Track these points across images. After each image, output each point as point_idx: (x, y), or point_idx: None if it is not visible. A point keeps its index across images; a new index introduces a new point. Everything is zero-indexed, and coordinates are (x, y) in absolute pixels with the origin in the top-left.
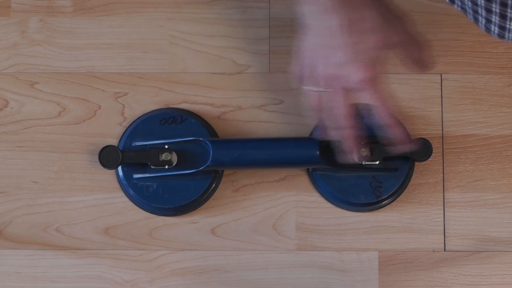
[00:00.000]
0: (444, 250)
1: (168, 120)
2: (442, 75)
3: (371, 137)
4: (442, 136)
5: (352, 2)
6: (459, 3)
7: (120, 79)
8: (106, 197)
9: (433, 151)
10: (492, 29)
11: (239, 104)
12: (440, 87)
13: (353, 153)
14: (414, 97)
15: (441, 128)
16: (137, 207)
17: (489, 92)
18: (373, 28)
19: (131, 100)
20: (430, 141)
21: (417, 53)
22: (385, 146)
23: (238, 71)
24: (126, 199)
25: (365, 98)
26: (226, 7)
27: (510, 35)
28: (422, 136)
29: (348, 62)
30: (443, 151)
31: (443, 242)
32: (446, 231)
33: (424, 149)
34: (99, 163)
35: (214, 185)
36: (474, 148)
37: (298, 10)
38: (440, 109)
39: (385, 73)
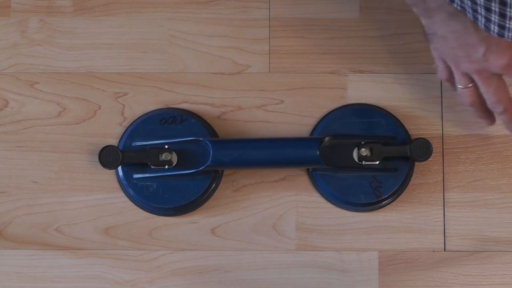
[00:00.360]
0: (444, 250)
1: (168, 120)
2: None
3: (371, 137)
4: (442, 136)
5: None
6: (459, 2)
7: (120, 79)
8: (106, 197)
9: (433, 151)
10: (492, 28)
11: (239, 104)
12: (440, 87)
13: None
14: (414, 97)
15: (441, 128)
16: (137, 207)
17: None
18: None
19: (131, 100)
20: (430, 141)
21: None
22: (384, 146)
23: (238, 71)
24: (126, 199)
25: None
26: (226, 7)
27: (510, 34)
28: (422, 136)
29: (489, 53)
30: (443, 151)
31: (443, 242)
32: (446, 231)
33: (424, 149)
34: (99, 163)
35: (214, 185)
36: (474, 148)
37: (425, 22)
38: (440, 109)
39: None
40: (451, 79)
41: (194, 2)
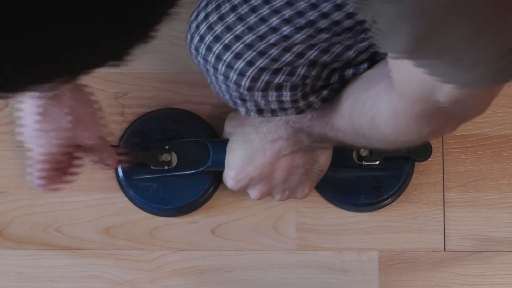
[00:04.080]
0: (444, 250)
1: (168, 121)
2: None
3: None
4: (442, 136)
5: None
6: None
7: (120, 79)
8: (106, 197)
9: (433, 151)
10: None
11: None
12: None
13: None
14: None
15: None
16: (137, 207)
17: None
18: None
19: (131, 100)
20: (430, 141)
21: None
22: None
23: None
24: (126, 199)
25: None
26: None
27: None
28: None
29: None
30: (443, 151)
31: (443, 242)
32: (446, 231)
33: (423, 149)
34: None
35: (214, 185)
36: (474, 148)
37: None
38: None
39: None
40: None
41: (194, 2)
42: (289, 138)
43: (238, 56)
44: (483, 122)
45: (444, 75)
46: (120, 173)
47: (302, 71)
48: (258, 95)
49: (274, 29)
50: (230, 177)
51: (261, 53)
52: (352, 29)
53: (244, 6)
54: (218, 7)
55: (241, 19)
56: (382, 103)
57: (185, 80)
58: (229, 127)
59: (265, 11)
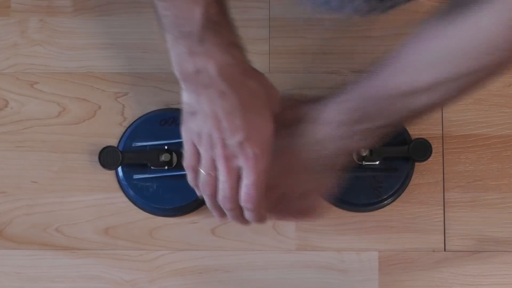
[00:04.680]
0: (444, 250)
1: (168, 121)
2: None
3: None
4: (442, 136)
5: (243, 83)
6: None
7: (120, 79)
8: (106, 197)
9: (433, 151)
10: None
11: None
12: None
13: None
14: None
15: (441, 128)
16: (137, 207)
17: (489, 92)
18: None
19: (131, 100)
20: (430, 141)
21: None
22: (384, 146)
23: None
24: (126, 199)
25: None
26: None
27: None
28: (422, 136)
29: (246, 141)
30: (443, 151)
31: (443, 242)
32: (446, 231)
33: (423, 149)
34: (99, 163)
35: None
36: (474, 148)
37: (189, 99)
38: (440, 109)
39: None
40: (196, 166)
41: None
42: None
43: None
44: (483, 122)
45: None
46: (120, 173)
47: None
48: None
49: None
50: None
51: None
52: None
53: None
54: None
55: None
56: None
57: None
58: None
59: None
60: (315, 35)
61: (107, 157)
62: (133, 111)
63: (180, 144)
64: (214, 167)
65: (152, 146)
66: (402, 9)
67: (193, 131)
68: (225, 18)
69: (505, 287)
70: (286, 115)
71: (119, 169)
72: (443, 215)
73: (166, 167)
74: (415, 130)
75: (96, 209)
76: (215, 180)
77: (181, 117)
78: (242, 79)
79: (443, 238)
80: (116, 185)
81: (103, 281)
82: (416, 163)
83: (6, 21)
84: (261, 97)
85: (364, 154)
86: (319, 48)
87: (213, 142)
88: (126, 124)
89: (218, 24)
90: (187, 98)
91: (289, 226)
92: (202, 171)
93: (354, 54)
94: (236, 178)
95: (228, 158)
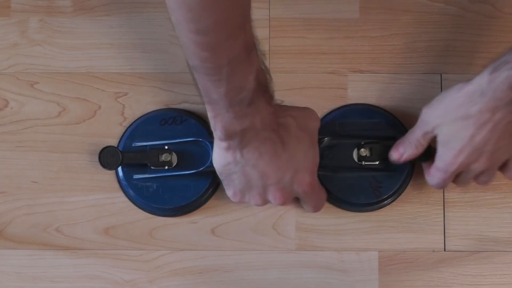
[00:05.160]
0: (444, 250)
1: (168, 121)
2: (442, 75)
3: (370, 137)
4: None
5: (278, 124)
6: None
7: (120, 79)
8: (106, 197)
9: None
10: None
11: None
12: (440, 87)
13: None
14: (414, 97)
15: None
16: (137, 207)
17: None
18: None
19: (131, 100)
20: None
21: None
22: (384, 147)
23: None
24: (126, 199)
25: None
26: None
27: None
28: None
29: (295, 175)
30: None
31: (443, 242)
32: (446, 231)
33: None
34: (99, 163)
35: (214, 185)
36: None
37: (237, 157)
38: None
39: None
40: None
41: None
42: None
43: None
44: None
45: None
46: (120, 173)
47: None
48: None
49: None
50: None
51: None
52: None
53: None
54: None
55: None
56: None
57: (185, 80)
58: None
59: None
60: (315, 35)
61: (107, 157)
62: (133, 111)
63: (180, 145)
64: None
65: (152, 146)
66: (402, 9)
67: (237, 188)
68: (267, 76)
69: (505, 287)
70: None
71: (119, 169)
72: (443, 215)
73: (166, 167)
74: None
75: (96, 209)
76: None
77: (224, 183)
78: (277, 121)
79: (443, 238)
80: (116, 185)
81: (103, 281)
82: (416, 163)
83: (6, 21)
84: (299, 128)
85: (364, 155)
86: (319, 48)
87: (263, 186)
88: (126, 124)
89: (264, 84)
90: (233, 157)
91: (289, 226)
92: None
93: (354, 54)
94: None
95: (283, 201)
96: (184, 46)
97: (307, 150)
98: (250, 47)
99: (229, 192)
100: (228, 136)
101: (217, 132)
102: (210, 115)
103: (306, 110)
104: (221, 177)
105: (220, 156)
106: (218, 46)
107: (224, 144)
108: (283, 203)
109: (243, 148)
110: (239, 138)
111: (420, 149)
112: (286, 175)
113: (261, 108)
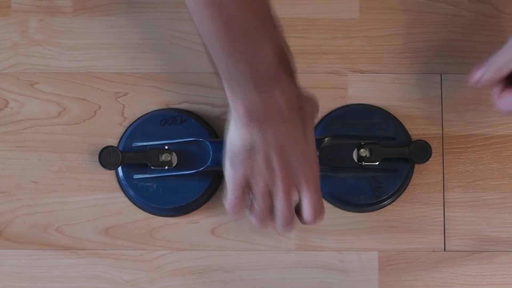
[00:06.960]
0: (444, 250)
1: (168, 121)
2: (442, 75)
3: (370, 138)
4: (442, 136)
5: (300, 107)
6: None
7: (120, 79)
8: (106, 197)
9: (433, 151)
10: None
11: None
12: (440, 87)
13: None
14: (414, 97)
15: (441, 128)
16: (137, 207)
17: (489, 92)
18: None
19: (131, 100)
20: (430, 141)
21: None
22: (384, 148)
23: None
24: (126, 199)
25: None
26: None
27: None
28: (422, 137)
29: (307, 159)
30: (443, 151)
31: (443, 242)
32: (446, 231)
33: (423, 151)
34: (99, 163)
35: (214, 185)
36: (474, 148)
37: (247, 137)
38: (440, 109)
39: None
40: (242, 207)
41: None
42: None
43: None
44: (483, 122)
45: None
46: (120, 173)
47: None
48: None
49: None
50: None
51: None
52: None
53: None
54: None
55: None
56: None
57: (185, 80)
58: None
59: None
60: (315, 35)
61: (107, 157)
62: (133, 111)
63: (180, 145)
64: (268, 199)
65: (152, 146)
66: (402, 9)
67: (247, 171)
68: (285, 48)
69: (505, 287)
70: None
71: (119, 169)
72: (443, 215)
73: (166, 167)
74: (415, 130)
75: (96, 209)
76: (270, 210)
77: (228, 162)
78: (300, 104)
79: (443, 238)
80: (116, 185)
81: (103, 281)
82: (416, 163)
83: (6, 21)
84: (311, 115)
85: (364, 155)
86: (319, 48)
87: (275, 171)
88: (126, 124)
89: (285, 59)
90: (247, 138)
91: None
92: (256, 206)
93: (354, 54)
94: (292, 202)
95: (288, 186)
96: (198, 22)
97: (314, 139)
98: (267, 17)
99: (232, 175)
100: (252, 117)
101: (238, 112)
102: (230, 95)
103: (314, 99)
104: (232, 158)
105: (238, 135)
106: (232, 17)
107: (245, 121)
108: (287, 189)
109: (264, 131)
110: (262, 120)
111: (500, 75)
112: (298, 158)
113: (285, 88)
